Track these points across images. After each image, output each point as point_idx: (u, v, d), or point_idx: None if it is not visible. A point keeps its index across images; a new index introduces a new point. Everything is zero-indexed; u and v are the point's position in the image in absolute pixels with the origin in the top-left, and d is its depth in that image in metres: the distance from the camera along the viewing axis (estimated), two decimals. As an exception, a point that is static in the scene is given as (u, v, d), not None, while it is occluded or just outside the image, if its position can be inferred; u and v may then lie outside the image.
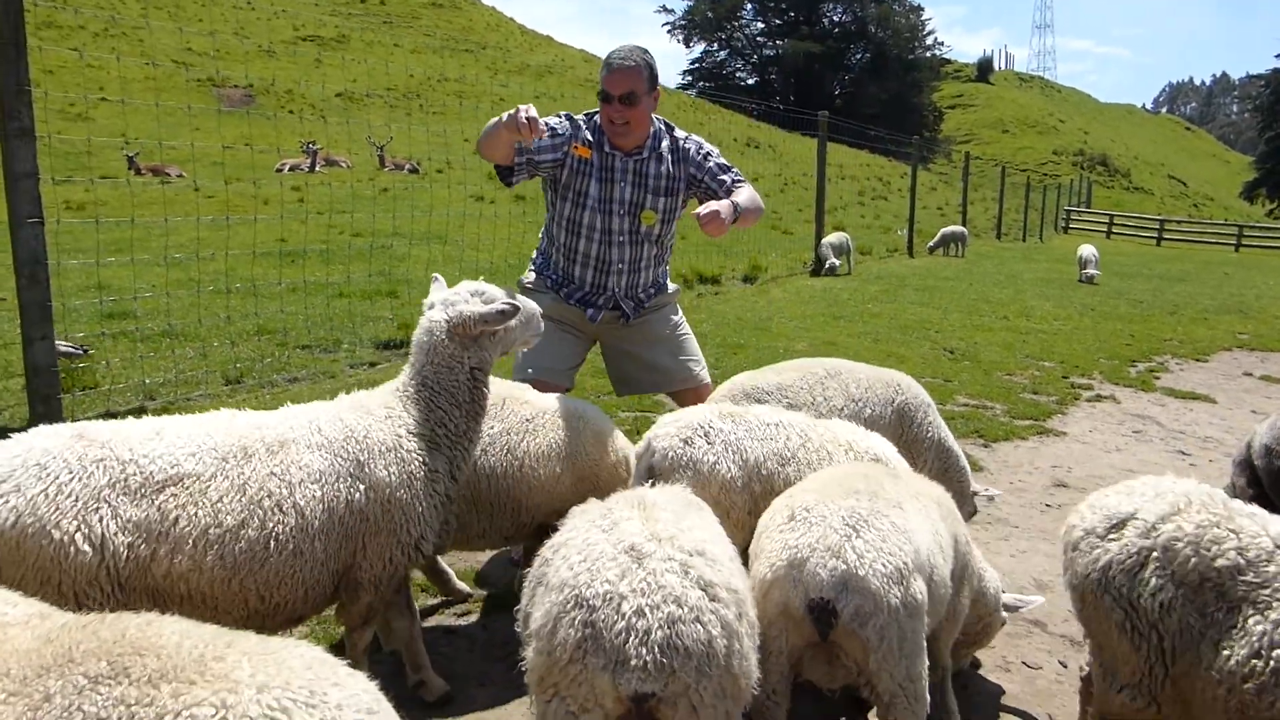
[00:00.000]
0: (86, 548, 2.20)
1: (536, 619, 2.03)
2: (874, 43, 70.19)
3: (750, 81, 74.07)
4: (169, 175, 18.76)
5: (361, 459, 2.59)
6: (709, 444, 3.03)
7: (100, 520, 2.23)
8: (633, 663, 1.86)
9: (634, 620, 1.87)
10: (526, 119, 3.31)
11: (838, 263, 15.01)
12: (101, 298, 7.72)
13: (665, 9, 77.22)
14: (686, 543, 2.05)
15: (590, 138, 3.89)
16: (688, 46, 75.89)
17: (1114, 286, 16.62)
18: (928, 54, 74.25)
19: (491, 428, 3.17)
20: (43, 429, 2.40)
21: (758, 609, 2.30)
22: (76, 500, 2.22)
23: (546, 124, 3.69)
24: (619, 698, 1.88)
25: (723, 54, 76.00)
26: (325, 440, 2.58)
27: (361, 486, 2.56)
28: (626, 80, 3.73)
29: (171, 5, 35.58)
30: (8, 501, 2.18)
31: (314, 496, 2.48)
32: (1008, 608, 3.20)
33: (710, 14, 72.04)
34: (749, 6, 73.50)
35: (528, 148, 3.70)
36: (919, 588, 2.33)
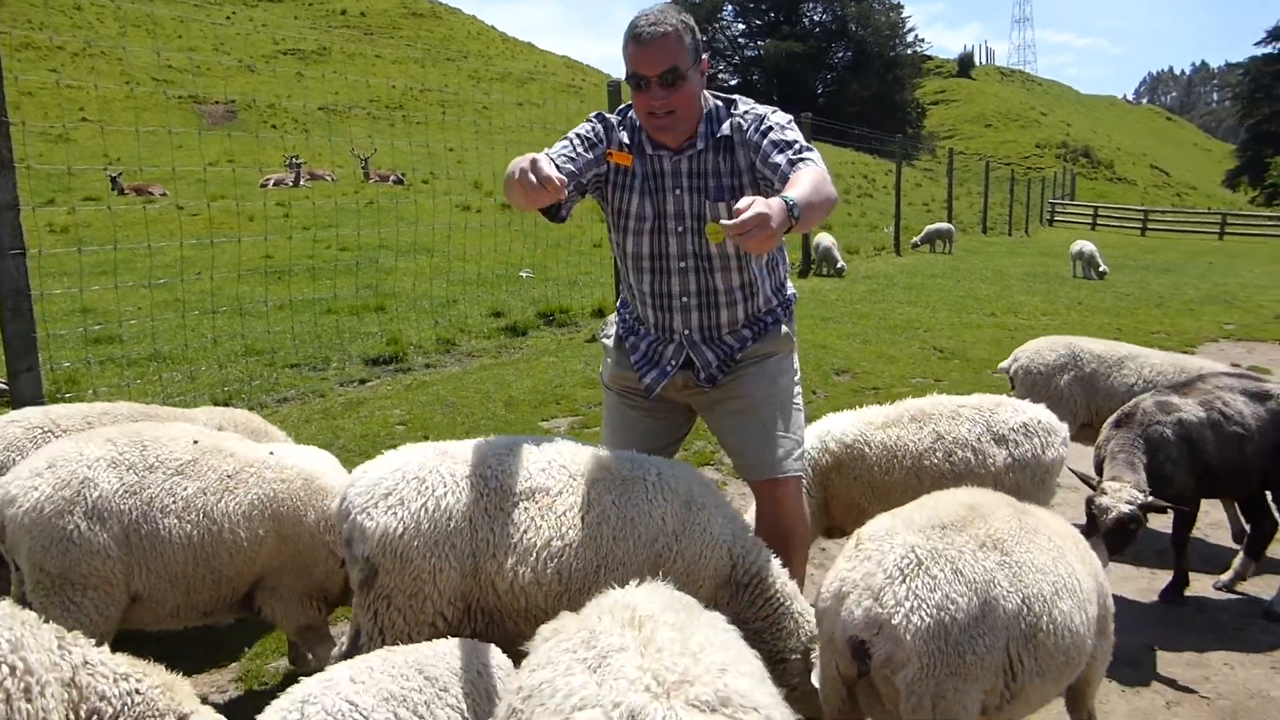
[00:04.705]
0: (455, 564, 2.36)
1: None
2: (855, 41, 70.35)
3: (733, 83, 74.05)
4: (153, 194, 18.67)
5: (687, 525, 2.65)
6: None
7: (465, 538, 2.38)
8: None
9: None
10: (540, 179, 2.39)
11: (844, 264, 15.44)
12: (86, 325, 7.67)
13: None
14: (704, 689, 1.53)
15: (627, 139, 2.93)
16: (669, 50, 76.12)
17: (1098, 279, 16.70)
18: (909, 51, 74.39)
19: (185, 488, 2.75)
20: (408, 446, 2.58)
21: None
22: (450, 517, 2.39)
23: (573, 146, 2.87)
24: None
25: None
26: (667, 492, 2.64)
27: (679, 546, 2.64)
28: (664, 52, 2.70)
29: (149, 23, 35.45)
30: (395, 513, 2.36)
31: (640, 539, 2.56)
32: None
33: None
34: (729, 8, 73.57)
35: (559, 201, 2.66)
36: (978, 647, 2.13)
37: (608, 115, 2.99)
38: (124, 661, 2.16)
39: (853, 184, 36.79)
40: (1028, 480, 3.49)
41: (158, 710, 2.12)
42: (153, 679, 2.16)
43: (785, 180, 2.66)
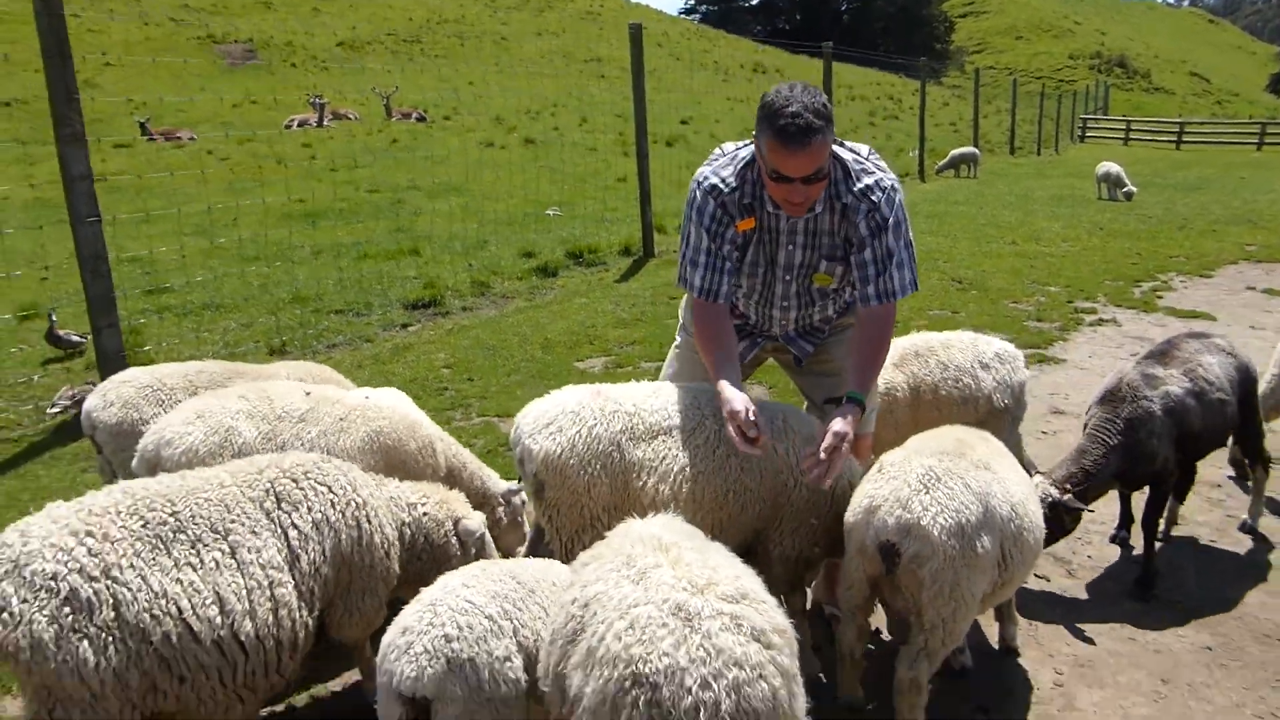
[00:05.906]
0: (606, 479, 2.87)
1: (587, 696, 1.93)
2: (880, -48, 68.08)
3: (754, 1, 72.33)
4: (181, 139, 18.94)
5: (792, 464, 2.99)
6: None
7: (614, 460, 2.87)
8: None
9: (701, 694, 1.81)
10: (748, 438, 2.76)
11: None
12: (143, 280, 8.07)
13: (664, -71, 75.09)
14: (727, 588, 1.99)
15: (745, 200, 3.00)
16: (689, -32, 74.18)
17: (1125, 201, 16.63)
18: (936, -40, 71.95)
19: (309, 431, 3.20)
20: (570, 387, 3.07)
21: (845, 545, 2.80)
22: (600, 442, 2.86)
23: (711, 242, 3.01)
24: None
25: (726, -27, 74.17)
26: (790, 432, 3.00)
27: (793, 481, 3.00)
28: (813, 159, 2.73)
29: (165, -40, 35.15)
30: (555, 439, 2.84)
31: (765, 469, 2.96)
32: None
33: (711, -68, 70.03)
34: (750, -77, 71.27)
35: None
36: (984, 543, 2.65)
37: (717, 184, 2.98)
38: (413, 493, 2.97)
39: (878, 105, 36.18)
40: (1007, 398, 4.02)
41: (438, 521, 2.97)
42: (432, 499, 2.99)
43: (864, 301, 2.98)
